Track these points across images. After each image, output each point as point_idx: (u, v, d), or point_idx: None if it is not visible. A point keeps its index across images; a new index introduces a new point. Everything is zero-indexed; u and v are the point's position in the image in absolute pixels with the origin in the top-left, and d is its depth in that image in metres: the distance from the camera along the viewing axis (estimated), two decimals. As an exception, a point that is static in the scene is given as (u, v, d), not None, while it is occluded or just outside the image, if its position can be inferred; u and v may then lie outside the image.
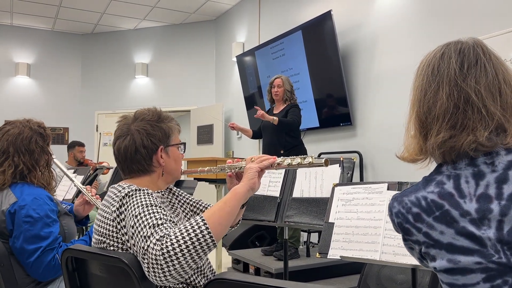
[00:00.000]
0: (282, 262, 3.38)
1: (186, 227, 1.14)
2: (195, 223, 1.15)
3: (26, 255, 1.64)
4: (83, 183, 2.89)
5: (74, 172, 3.02)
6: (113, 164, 4.78)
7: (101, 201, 2.02)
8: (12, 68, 7.17)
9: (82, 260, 1.37)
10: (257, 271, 3.54)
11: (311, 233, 4.10)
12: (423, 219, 0.85)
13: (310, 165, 1.32)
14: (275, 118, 3.59)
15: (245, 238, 4.21)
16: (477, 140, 0.83)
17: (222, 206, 1.22)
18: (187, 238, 1.11)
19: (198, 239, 1.12)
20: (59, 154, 1.93)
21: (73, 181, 2.14)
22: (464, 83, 0.86)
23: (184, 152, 1.51)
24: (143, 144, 1.37)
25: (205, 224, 1.14)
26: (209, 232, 1.13)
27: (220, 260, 3.82)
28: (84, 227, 2.50)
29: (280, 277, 3.20)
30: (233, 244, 4.12)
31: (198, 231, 1.13)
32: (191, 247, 1.10)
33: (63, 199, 2.66)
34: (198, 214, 1.62)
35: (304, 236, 4.20)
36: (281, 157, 1.38)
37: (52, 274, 1.68)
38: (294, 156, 1.35)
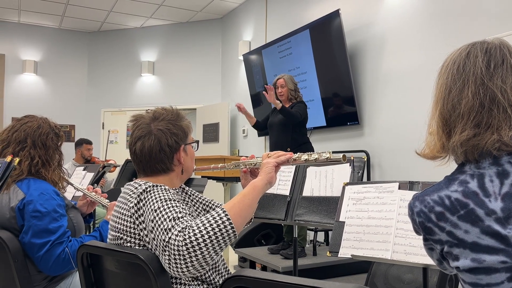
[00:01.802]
0: (288, 260, 3.38)
1: (208, 218, 1.15)
2: (216, 214, 1.16)
3: (35, 249, 1.65)
4: (93, 180, 2.91)
5: (84, 170, 3.04)
6: (120, 162, 4.78)
7: (107, 199, 2.04)
8: (19, 66, 7.20)
9: (97, 256, 1.38)
10: (264, 270, 3.55)
11: (318, 232, 4.10)
12: (447, 218, 0.85)
13: (328, 160, 1.32)
14: (279, 102, 3.62)
15: (251, 236, 4.22)
16: (501, 140, 0.83)
17: (242, 199, 1.24)
18: (209, 228, 1.12)
19: (220, 230, 1.13)
20: (64, 152, 1.95)
21: (71, 184, 2.14)
22: (490, 82, 0.86)
23: (197, 149, 1.52)
24: (168, 143, 1.38)
25: (226, 215, 1.16)
26: (230, 223, 1.15)
27: (227, 258, 3.83)
28: (90, 225, 2.52)
29: (289, 275, 3.21)
30: (239, 242, 4.13)
31: (220, 221, 1.14)
32: (213, 237, 1.12)
33: (73, 196, 2.68)
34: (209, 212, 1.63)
35: (310, 235, 4.21)
36: (298, 153, 1.39)
37: (61, 268, 1.68)
38: (311, 152, 1.36)
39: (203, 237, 1.11)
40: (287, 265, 3.28)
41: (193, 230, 1.12)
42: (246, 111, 3.96)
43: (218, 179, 3.90)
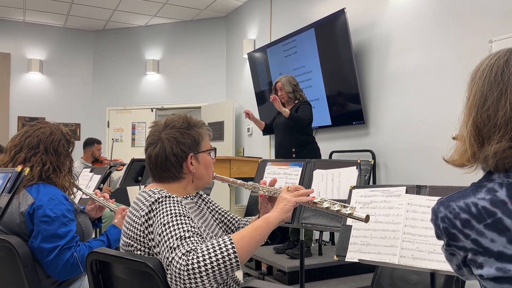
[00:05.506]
0: (294, 260, 3.39)
1: (214, 246, 1.15)
2: (223, 244, 1.16)
3: (44, 254, 1.67)
4: (100, 182, 2.93)
5: (91, 171, 3.06)
6: (125, 160, 4.76)
7: (114, 202, 2.05)
8: (25, 64, 7.23)
9: (106, 263, 1.39)
10: (270, 269, 3.56)
11: (323, 232, 4.10)
12: (473, 225, 0.84)
13: (350, 216, 1.32)
14: (287, 110, 3.61)
15: (257, 235, 4.22)
16: None
17: (252, 233, 1.24)
18: (213, 258, 1.13)
19: (224, 261, 1.13)
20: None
21: (80, 189, 2.16)
22: None
23: (215, 157, 1.52)
24: (173, 152, 1.38)
25: (233, 247, 1.16)
26: (235, 256, 1.15)
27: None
28: (98, 228, 2.54)
29: (295, 275, 3.22)
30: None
31: (225, 253, 1.14)
32: (216, 267, 1.12)
33: (80, 199, 2.69)
34: (225, 223, 1.63)
35: (316, 234, 4.21)
36: (320, 197, 1.39)
37: (70, 273, 1.70)
38: (335, 201, 1.36)
39: (205, 266, 1.11)
40: (293, 265, 3.28)
41: (197, 256, 1.12)
42: (254, 118, 3.96)
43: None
